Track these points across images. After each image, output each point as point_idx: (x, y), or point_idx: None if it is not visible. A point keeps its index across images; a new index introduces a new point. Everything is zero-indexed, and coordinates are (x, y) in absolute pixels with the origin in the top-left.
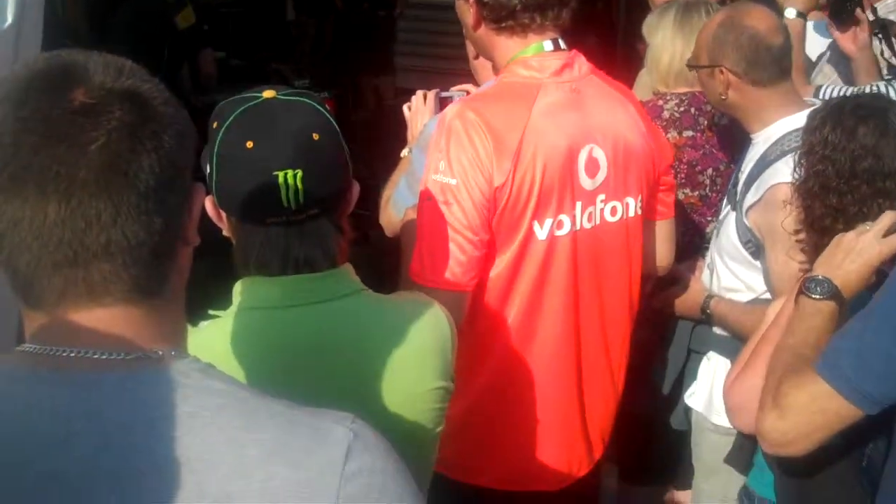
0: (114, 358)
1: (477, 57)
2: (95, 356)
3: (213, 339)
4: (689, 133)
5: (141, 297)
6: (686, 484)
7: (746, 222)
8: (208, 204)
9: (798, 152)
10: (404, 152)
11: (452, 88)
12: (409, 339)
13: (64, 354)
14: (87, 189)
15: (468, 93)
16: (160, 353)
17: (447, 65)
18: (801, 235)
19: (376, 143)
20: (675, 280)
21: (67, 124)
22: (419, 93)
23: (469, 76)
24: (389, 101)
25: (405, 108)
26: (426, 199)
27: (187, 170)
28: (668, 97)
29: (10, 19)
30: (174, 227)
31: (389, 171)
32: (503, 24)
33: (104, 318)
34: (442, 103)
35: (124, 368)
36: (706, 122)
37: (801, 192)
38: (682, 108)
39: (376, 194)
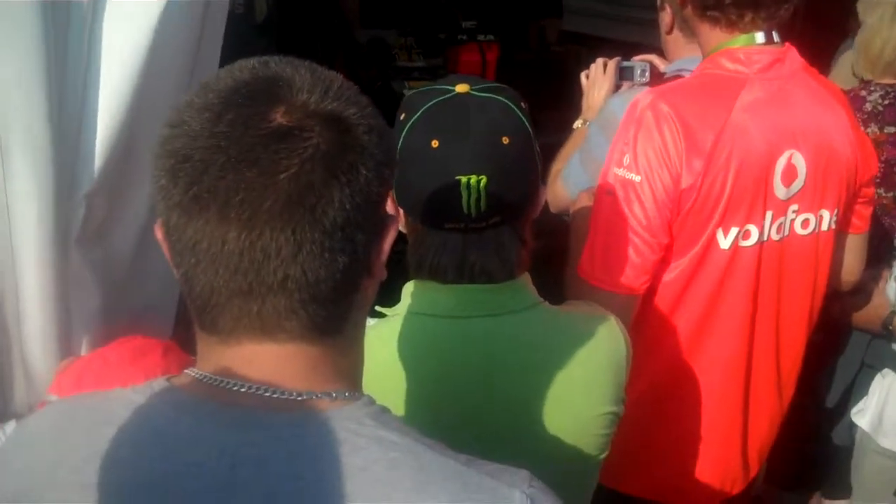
0: (285, 398)
1: (671, 31)
2: (266, 394)
3: (379, 341)
4: (892, 129)
5: (318, 336)
6: (836, 495)
7: None
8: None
9: None
10: (577, 123)
11: (634, 58)
12: (583, 360)
13: (234, 388)
14: (270, 221)
15: (652, 64)
16: (333, 395)
17: (617, 10)
18: None
19: (538, 86)
20: (857, 289)
21: (261, 148)
22: (599, 61)
23: (639, 26)
24: (555, 45)
25: (583, 75)
26: (605, 192)
27: (382, 203)
28: (873, 87)
29: None
30: (360, 264)
31: (551, 124)
32: (707, 13)
33: (278, 354)
34: (622, 73)
35: (296, 410)
36: None
37: None
38: (886, 101)
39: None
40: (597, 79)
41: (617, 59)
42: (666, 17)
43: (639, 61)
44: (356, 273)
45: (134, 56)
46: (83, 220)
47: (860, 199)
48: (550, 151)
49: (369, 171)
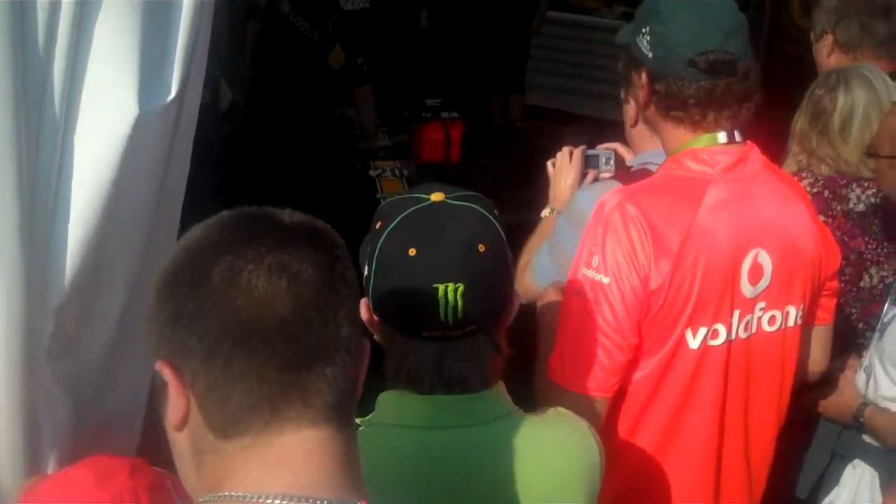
0: None
1: (635, 125)
2: None
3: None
4: (822, 218)
5: (341, 426)
6: None
7: None
8: (362, 307)
9: None
10: (545, 212)
11: (599, 147)
12: (557, 469)
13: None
14: None
15: (616, 152)
16: None
17: (579, 84)
18: None
19: (500, 163)
20: (826, 380)
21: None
22: (564, 150)
23: (599, 101)
24: (519, 122)
25: (549, 164)
26: (574, 293)
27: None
28: (804, 174)
29: (174, 92)
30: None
31: (515, 202)
32: (671, 113)
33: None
34: (587, 161)
35: None
36: (840, 209)
37: None
38: (814, 190)
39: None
40: (563, 167)
41: (582, 147)
42: (630, 110)
43: (603, 150)
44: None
45: (105, 165)
46: (53, 333)
47: (825, 293)
48: (515, 230)
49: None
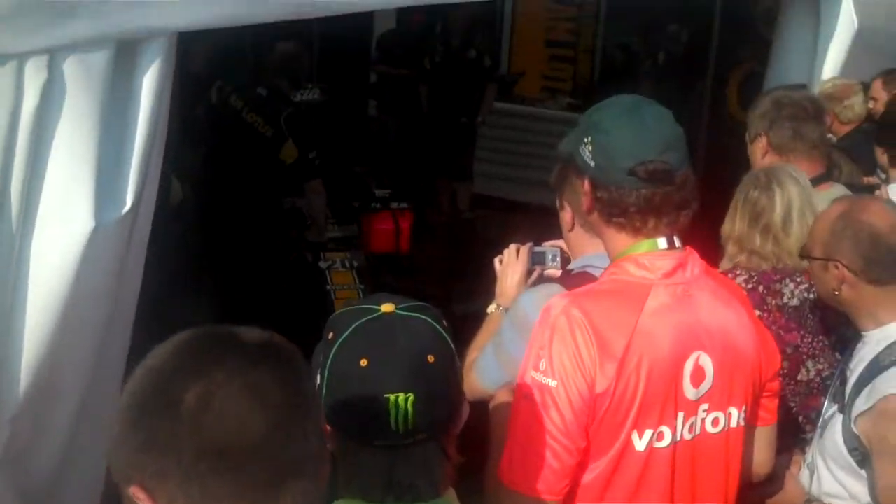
0: None
1: (571, 229)
2: None
3: None
4: (758, 313)
5: None
6: None
7: (854, 429)
8: None
9: None
10: (491, 308)
11: (545, 244)
12: None
13: None
14: None
15: (562, 249)
16: None
17: (525, 173)
18: None
19: (448, 253)
20: (771, 478)
21: None
22: (512, 247)
23: (544, 189)
24: (466, 211)
25: (496, 261)
26: (523, 396)
27: None
28: (739, 272)
29: (128, 204)
30: None
31: (463, 293)
32: (613, 220)
33: None
34: (534, 258)
35: None
36: (774, 303)
37: None
38: (749, 286)
39: (448, 315)
40: (509, 264)
41: (529, 244)
42: (566, 215)
43: (550, 247)
44: None
45: (61, 279)
46: (6, 443)
47: (766, 394)
48: (465, 320)
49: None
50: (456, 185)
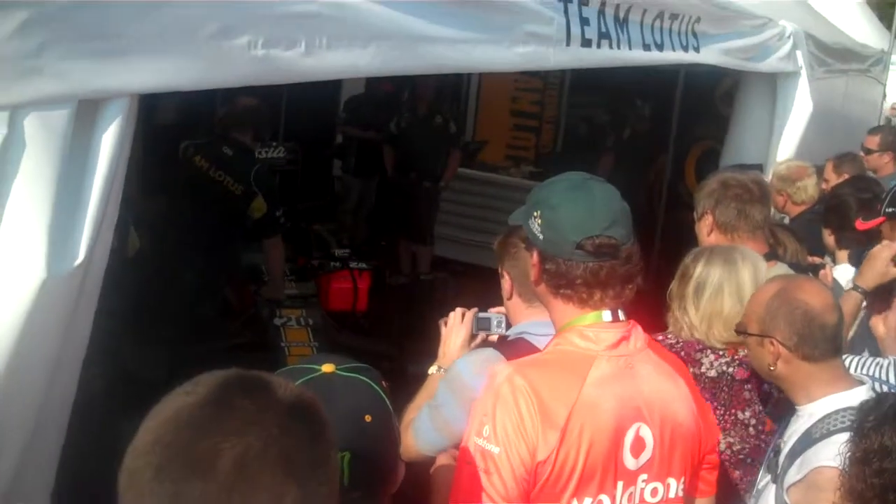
0: None
1: (510, 297)
2: None
3: None
4: None
5: None
6: None
7: (787, 499)
8: None
9: (850, 451)
10: (432, 369)
11: (491, 310)
12: None
13: None
14: None
15: (507, 316)
16: None
17: (487, 238)
18: None
19: (407, 314)
20: None
21: None
22: (458, 310)
23: None
24: (425, 273)
25: (441, 322)
26: (465, 462)
27: None
28: (669, 334)
29: (81, 257)
30: None
31: (417, 353)
32: (560, 291)
33: None
34: (479, 324)
35: None
36: (692, 372)
37: (852, 495)
38: (673, 351)
39: (402, 374)
40: (454, 327)
41: (475, 309)
42: (505, 283)
43: (495, 313)
44: None
45: (8, 327)
46: None
47: (705, 466)
48: (416, 380)
49: None
50: (417, 248)
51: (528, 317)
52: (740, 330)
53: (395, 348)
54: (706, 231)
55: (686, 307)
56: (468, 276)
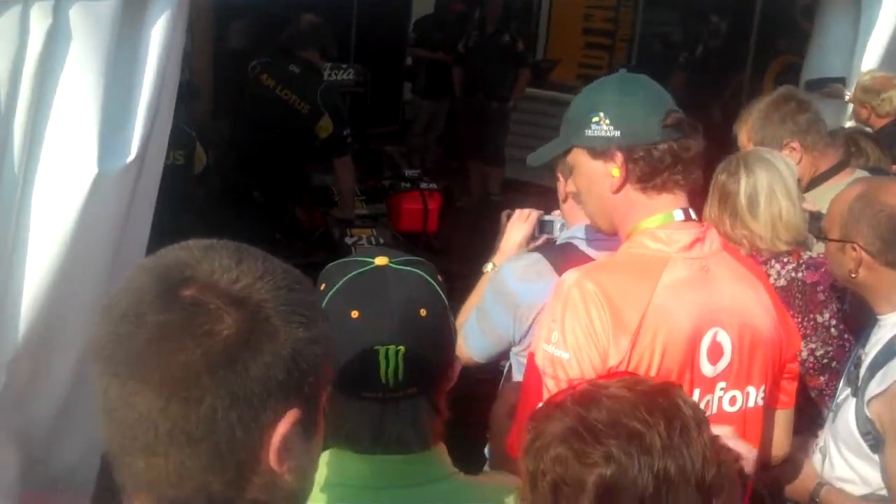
0: None
1: (566, 200)
2: None
3: None
4: None
5: None
6: None
7: (867, 413)
8: None
9: None
10: (487, 266)
11: (555, 213)
12: None
13: None
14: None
15: None
16: None
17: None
18: None
19: (477, 234)
20: (786, 459)
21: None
22: (524, 210)
23: None
24: (496, 194)
25: (504, 214)
26: (534, 369)
27: (271, 395)
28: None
29: (133, 153)
30: (243, 447)
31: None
32: (651, 183)
33: None
34: (542, 226)
35: None
36: None
37: None
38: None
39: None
40: (516, 223)
41: (540, 211)
42: (560, 185)
43: (559, 217)
44: (238, 455)
45: (63, 224)
46: (4, 387)
47: (785, 376)
48: None
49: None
50: (487, 169)
51: (581, 220)
52: (820, 235)
53: (466, 267)
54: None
55: (744, 221)
56: (539, 197)
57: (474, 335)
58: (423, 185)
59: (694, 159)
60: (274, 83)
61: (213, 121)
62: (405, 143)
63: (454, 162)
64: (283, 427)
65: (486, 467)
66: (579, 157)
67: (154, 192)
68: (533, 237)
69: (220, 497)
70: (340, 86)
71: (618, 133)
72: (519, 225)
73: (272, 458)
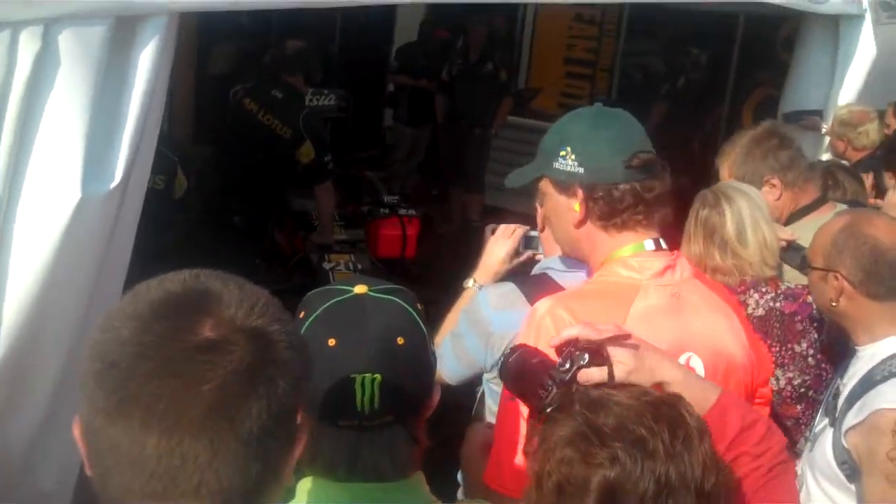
0: None
1: (543, 229)
2: None
3: None
4: None
5: None
6: None
7: (844, 443)
8: None
9: None
10: (468, 283)
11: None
12: None
13: None
14: (190, 429)
15: None
16: None
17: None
18: None
19: (456, 261)
20: None
21: (186, 360)
22: (509, 225)
23: None
24: (476, 220)
25: (488, 230)
26: (509, 398)
27: (296, 413)
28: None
29: (118, 179)
30: (272, 471)
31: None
32: (611, 221)
33: None
34: (527, 242)
35: None
36: None
37: None
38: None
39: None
40: (499, 239)
41: (526, 227)
42: (539, 215)
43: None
44: (267, 479)
45: (46, 245)
46: None
47: (757, 400)
48: None
49: (287, 384)
50: (467, 196)
51: (556, 251)
52: (804, 265)
53: (444, 294)
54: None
55: (734, 251)
56: (519, 223)
57: (448, 358)
58: (402, 212)
59: (658, 199)
60: (256, 108)
61: (194, 145)
62: (386, 168)
63: (435, 188)
64: (302, 441)
65: (459, 493)
66: (547, 187)
67: (136, 217)
68: (517, 253)
69: None
70: (322, 111)
71: (581, 170)
72: (503, 241)
73: (288, 473)
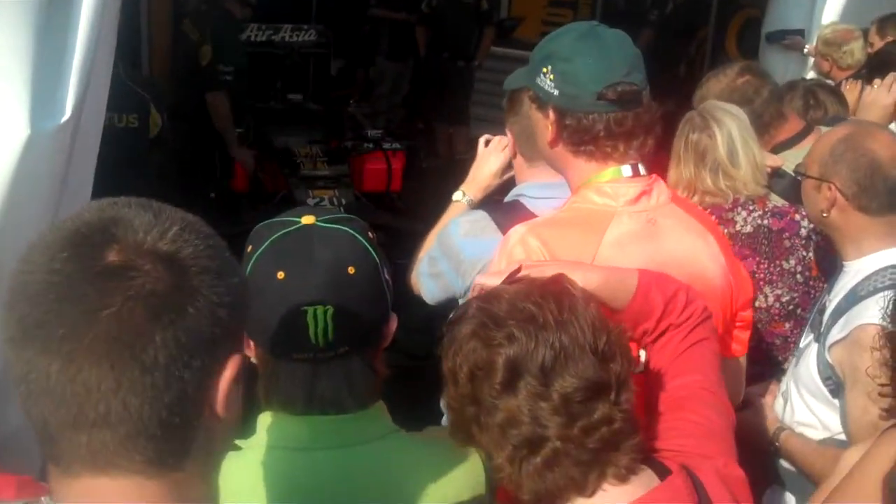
0: None
1: (514, 155)
2: None
3: (236, 474)
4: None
5: (155, 471)
6: None
7: (828, 358)
8: None
9: (893, 295)
10: (457, 195)
11: None
12: (441, 487)
13: None
14: (89, 356)
15: None
16: None
17: None
18: (886, 385)
19: (443, 194)
20: (745, 404)
21: (87, 285)
22: (504, 137)
23: None
24: (461, 153)
25: (482, 140)
26: None
27: (221, 342)
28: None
29: (67, 113)
30: (192, 401)
31: None
32: (581, 148)
33: (113, 488)
34: None
35: None
36: (727, 232)
37: (892, 342)
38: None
39: None
40: (492, 151)
41: None
42: (510, 141)
43: None
44: (188, 410)
45: None
46: None
47: (738, 324)
48: None
49: (199, 310)
50: (453, 129)
51: (528, 177)
52: (799, 171)
53: (430, 227)
54: None
55: (727, 172)
56: None
57: (425, 276)
58: (386, 146)
59: (632, 131)
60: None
61: (163, 78)
62: (370, 104)
63: (419, 123)
64: (229, 373)
65: (444, 420)
66: (530, 99)
67: (94, 153)
68: (509, 167)
69: (168, 458)
70: (301, 47)
71: (556, 92)
72: (496, 153)
73: (220, 405)
